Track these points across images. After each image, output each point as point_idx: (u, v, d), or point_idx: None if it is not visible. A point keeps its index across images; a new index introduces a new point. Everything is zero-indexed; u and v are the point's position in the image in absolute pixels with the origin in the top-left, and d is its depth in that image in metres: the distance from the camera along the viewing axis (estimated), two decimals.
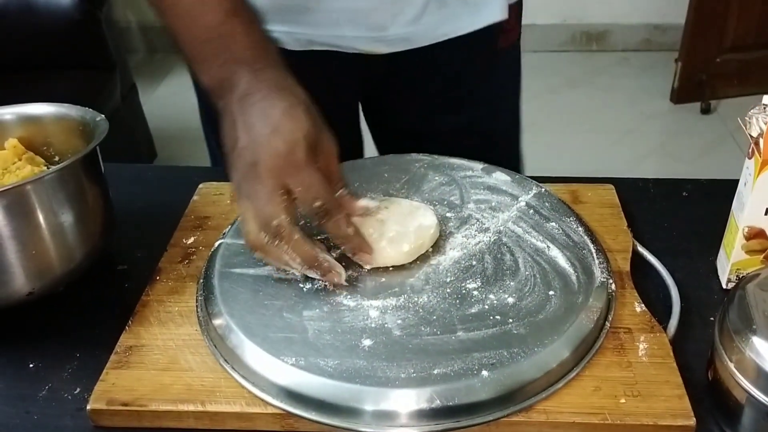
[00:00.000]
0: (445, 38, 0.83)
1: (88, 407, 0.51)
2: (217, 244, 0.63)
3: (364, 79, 0.90)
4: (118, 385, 0.52)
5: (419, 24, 0.80)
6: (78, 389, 0.54)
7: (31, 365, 0.57)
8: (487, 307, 0.55)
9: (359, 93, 0.94)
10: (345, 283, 0.57)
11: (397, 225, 0.61)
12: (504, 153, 0.93)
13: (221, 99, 0.60)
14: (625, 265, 0.62)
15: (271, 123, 0.55)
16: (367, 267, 0.59)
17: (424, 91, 0.91)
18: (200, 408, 0.50)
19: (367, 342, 0.52)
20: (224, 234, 0.64)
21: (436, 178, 0.70)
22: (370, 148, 1.00)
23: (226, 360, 0.53)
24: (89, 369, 0.55)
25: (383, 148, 1.00)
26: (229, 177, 0.57)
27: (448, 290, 0.57)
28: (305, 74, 0.85)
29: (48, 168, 0.67)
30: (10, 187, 0.56)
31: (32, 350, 0.58)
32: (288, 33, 0.81)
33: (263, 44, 0.62)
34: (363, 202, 0.61)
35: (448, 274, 0.58)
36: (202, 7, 0.60)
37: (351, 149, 0.93)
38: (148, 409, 0.51)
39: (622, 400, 0.50)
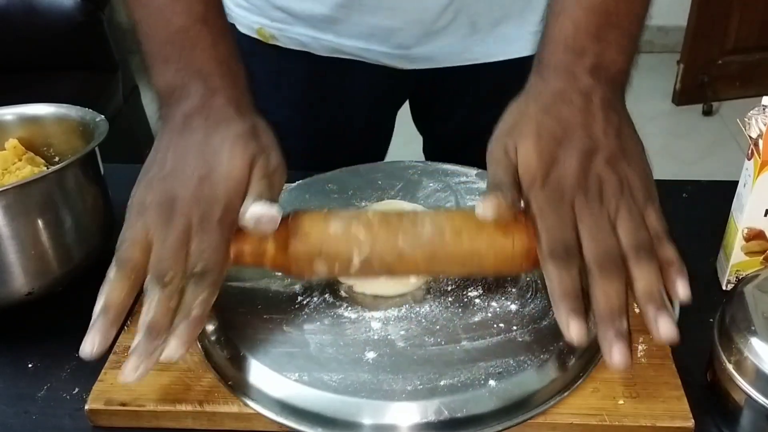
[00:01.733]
0: (473, 62, 0.82)
1: (87, 407, 0.51)
2: None
3: (392, 89, 0.90)
4: (116, 385, 0.52)
5: (445, 46, 0.80)
6: (77, 389, 0.54)
7: (29, 365, 0.57)
8: (490, 315, 0.54)
9: (387, 101, 0.94)
10: (130, 379, 0.47)
11: None
12: None
13: (166, 107, 0.57)
14: None
15: (201, 164, 0.52)
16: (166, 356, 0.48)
17: (460, 103, 0.91)
18: (198, 408, 0.50)
19: (370, 354, 0.51)
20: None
21: (431, 184, 0.69)
22: (394, 152, 0.99)
23: (224, 376, 0.52)
24: (88, 369, 0.55)
25: (431, 152, 0.99)
26: (137, 184, 0.54)
27: (450, 299, 0.56)
28: (330, 79, 0.86)
29: (48, 168, 0.67)
30: (9, 187, 0.56)
31: (31, 350, 0.58)
32: (315, 38, 0.81)
33: (227, 59, 0.58)
34: (254, 210, 0.51)
35: (449, 283, 0.58)
36: (173, 8, 0.57)
37: (371, 152, 0.93)
38: (146, 409, 0.51)
39: (621, 402, 0.50)
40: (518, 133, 0.52)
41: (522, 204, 0.51)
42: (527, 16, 0.81)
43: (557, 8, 0.56)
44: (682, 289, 0.49)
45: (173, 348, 0.47)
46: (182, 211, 0.51)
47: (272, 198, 0.52)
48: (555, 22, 0.55)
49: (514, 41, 0.82)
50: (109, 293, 0.49)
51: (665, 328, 0.46)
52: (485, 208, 0.49)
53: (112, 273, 0.50)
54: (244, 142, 0.53)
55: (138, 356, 0.47)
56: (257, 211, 0.50)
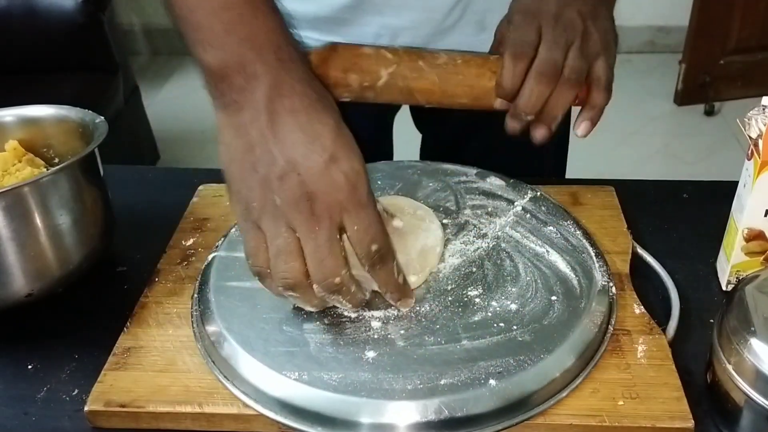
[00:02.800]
0: None
1: (86, 408, 0.51)
2: (210, 257, 0.62)
3: None
4: (115, 386, 0.52)
5: (453, 45, 0.79)
6: (76, 390, 0.54)
7: (29, 366, 0.57)
8: (490, 314, 0.54)
9: (393, 105, 0.93)
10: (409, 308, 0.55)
11: (400, 252, 0.55)
12: (553, 158, 0.92)
13: (234, 88, 0.49)
14: (625, 267, 0.62)
15: (323, 146, 0.47)
16: (404, 310, 0.55)
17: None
18: (197, 409, 0.50)
19: (370, 354, 0.51)
20: (217, 246, 0.63)
21: (431, 184, 0.69)
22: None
23: (225, 376, 0.52)
24: (87, 370, 0.55)
25: (428, 154, 0.99)
26: (241, 189, 0.49)
27: (450, 298, 0.56)
28: None
29: (48, 170, 0.67)
30: (9, 188, 0.56)
31: (31, 351, 0.58)
32: (320, 41, 0.80)
33: (287, 30, 0.52)
34: (395, 223, 0.58)
35: (449, 282, 0.58)
36: None
37: (376, 158, 0.93)
38: (145, 411, 0.51)
39: (621, 402, 0.50)
40: (515, 10, 0.63)
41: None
42: None
43: None
44: (583, 127, 0.61)
45: (407, 306, 0.55)
46: (323, 204, 0.47)
47: None
48: None
49: None
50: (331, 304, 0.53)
51: (540, 133, 0.60)
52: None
53: (290, 296, 0.51)
54: (344, 126, 0.50)
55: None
56: (397, 224, 0.58)
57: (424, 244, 0.60)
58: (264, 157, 0.48)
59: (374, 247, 0.49)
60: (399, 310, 0.55)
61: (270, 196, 0.48)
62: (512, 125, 0.60)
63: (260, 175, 0.48)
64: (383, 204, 0.56)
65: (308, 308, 0.53)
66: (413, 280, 0.57)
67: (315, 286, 0.49)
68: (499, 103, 0.60)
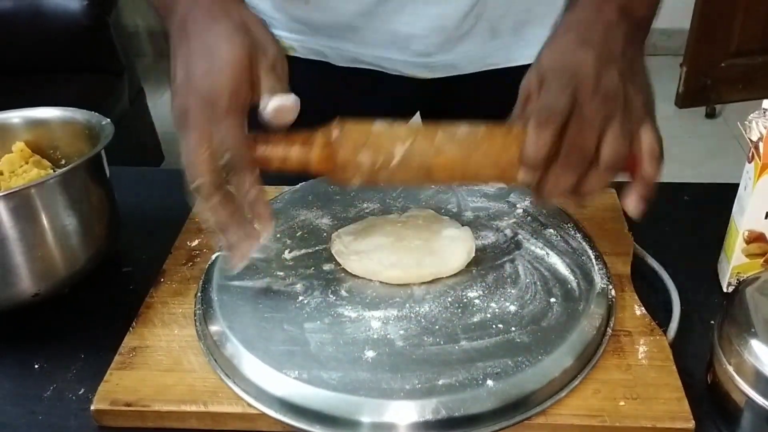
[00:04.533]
0: (495, 68, 0.82)
1: (92, 407, 0.52)
2: (214, 256, 0.63)
3: (410, 99, 0.90)
4: (121, 385, 0.53)
5: (467, 53, 0.80)
6: (82, 390, 0.55)
7: (36, 366, 0.58)
8: (489, 315, 0.55)
9: (402, 112, 0.93)
10: (242, 264, 0.54)
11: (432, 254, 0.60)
12: None
13: (165, 22, 0.58)
14: (626, 269, 0.62)
15: (205, 62, 0.53)
16: (264, 234, 0.54)
17: (477, 113, 0.90)
18: (203, 409, 0.51)
19: (370, 353, 0.52)
20: (221, 246, 0.64)
21: (432, 186, 0.70)
22: None
23: (227, 374, 0.53)
24: (93, 370, 0.56)
25: None
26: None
27: (450, 299, 0.57)
28: (348, 89, 0.85)
29: (54, 171, 0.67)
30: (16, 189, 0.56)
31: (37, 351, 0.59)
32: (334, 48, 0.81)
33: None
34: (274, 103, 0.54)
35: (449, 283, 0.58)
36: None
37: None
38: (151, 410, 0.51)
39: (622, 403, 0.50)
40: (542, 57, 0.56)
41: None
42: (548, 20, 0.80)
43: None
44: (632, 205, 0.54)
45: (264, 231, 0.53)
46: (194, 114, 0.52)
47: (283, 89, 0.54)
48: None
49: (535, 45, 0.81)
50: (212, 217, 0.53)
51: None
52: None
53: (197, 204, 0.53)
54: (237, 34, 0.54)
55: (233, 249, 0.53)
56: (277, 103, 0.52)
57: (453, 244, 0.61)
58: (174, 75, 0.55)
59: (225, 157, 0.51)
60: (399, 310, 0.55)
61: (172, 111, 0.54)
62: (537, 203, 0.56)
63: (172, 89, 0.55)
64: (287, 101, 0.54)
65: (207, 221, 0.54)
66: (417, 273, 0.58)
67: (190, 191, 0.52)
68: (522, 177, 0.52)
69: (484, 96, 0.87)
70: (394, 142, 0.53)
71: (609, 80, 0.52)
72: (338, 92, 0.86)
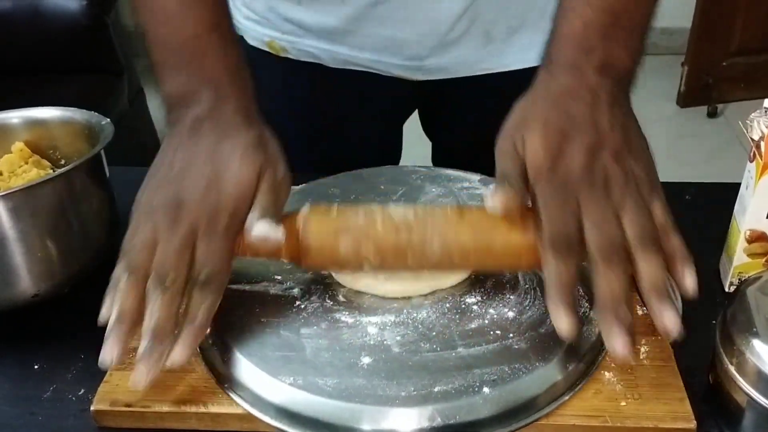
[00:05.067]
0: (488, 72, 0.82)
1: (92, 408, 0.52)
2: None
3: (404, 100, 0.90)
4: (121, 386, 0.53)
5: (459, 57, 0.79)
6: (82, 390, 0.55)
7: (35, 366, 0.57)
8: (487, 321, 0.54)
9: (398, 111, 0.93)
10: (141, 385, 0.48)
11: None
12: None
13: (175, 111, 0.57)
14: None
15: (210, 170, 0.53)
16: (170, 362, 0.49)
17: (472, 112, 0.90)
18: (203, 409, 0.51)
19: (366, 359, 0.51)
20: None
21: (433, 189, 0.69)
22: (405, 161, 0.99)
23: (221, 379, 0.53)
24: (93, 370, 0.55)
25: (441, 159, 0.99)
26: (143, 187, 0.55)
27: (447, 305, 0.56)
28: (341, 91, 0.86)
29: (54, 171, 0.67)
30: (16, 189, 0.56)
31: (37, 351, 0.59)
32: (326, 51, 0.81)
33: (236, 68, 0.59)
34: (261, 229, 0.52)
35: (447, 289, 0.58)
36: (185, 16, 0.57)
37: (382, 163, 0.93)
38: (151, 410, 0.51)
39: (623, 403, 0.50)
40: (526, 128, 0.53)
41: (529, 199, 0.52)
42: (542, 25, 0.80)
43: (567, 5, 0.56)
44: (689, 281, 0.49)
45: (178, 354, 0.48)
46: (188, 215, 0.51)
47: (278, 209, 0.53)
48: (564, 20, 0.56)
49: (529, 50, 0.81)
50: (123, 301, 0.50)
51: (669, 321, 0.46)
52: (494, 200, 0.50)
53: (123, 279, 0.50)
54: (253, 151, 0.54)
55: (146, 362, 0.48)
56: (263, 231, 0.51)
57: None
58: (167, 164, 0.55)
59: (205, 271, 0.50)
60: (396, 316, 0.55)
61: (153, 195, 0.54)
62: (610, 333, 0.47)
63: (157, 177, 0.55)
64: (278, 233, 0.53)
65: (119, 301, 0.51)
66: (414, 287, 0.57)
67: (149, 282, 0.50)
68: (567, 329, 0.47)
69: (478, 99, 0.87)
70: (362, 263, 0.53)
71: (602, 166, 0.50)
72: (331, 94, 0.86)
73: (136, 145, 2.08)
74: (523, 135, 0.52)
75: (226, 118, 0.56)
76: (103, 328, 0.59)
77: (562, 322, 0.46)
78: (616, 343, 0.45)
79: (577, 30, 0.55)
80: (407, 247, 0.53)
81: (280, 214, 0.54)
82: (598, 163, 0.51)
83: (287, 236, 0.53)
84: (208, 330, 0.54)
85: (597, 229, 0.48)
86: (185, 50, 0.57)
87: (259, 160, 0.54)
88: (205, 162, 0.53)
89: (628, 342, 0.45)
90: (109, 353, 0.49)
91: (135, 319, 0.50)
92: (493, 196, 0.50)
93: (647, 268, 0.47)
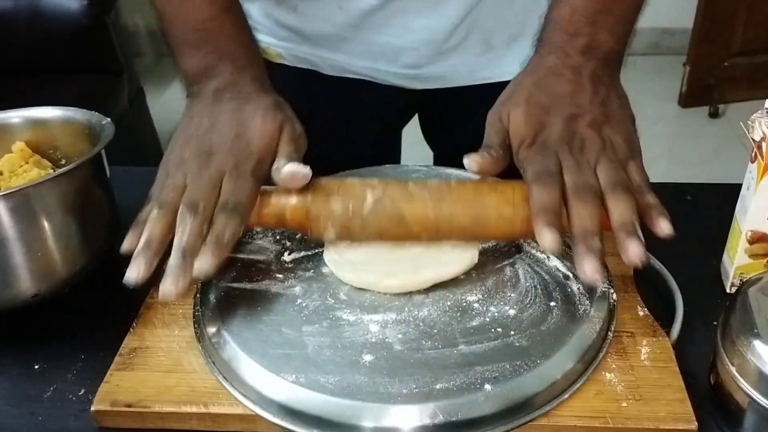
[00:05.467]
0: (486, 81, 0.81)
1: (92, 408, 0.52)
2: None
3: (402, 107, 0.90)
4: (122, 386, 0.53)
5: (458, 65, 0.79)
6: (82, 390, 0.55)
7: (36, 366, 0.57)
8: (488, 319, 0.54)
9: (396, 118, 0.93)
10: (171, 294, 0.50)
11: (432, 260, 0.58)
12: None
13: (198, 85, 0.62)
14: (628, 270, 0.62)
15: (236, 125, 0.58)
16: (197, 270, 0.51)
17: (471, 120, 0.90)
18: (203, 410, 0.51)
19: (367, 357, 0.51)
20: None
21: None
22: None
23: (224, 377, 0.53)
24: (94, 370, 0.55)
25: (441, 164, 0.99)
26: (171, 144, 0.60)
27: (449, 303, 0.56)
28: (338, 98, 0.85)
29: (54, 171, 0.67)
30: (16, 189, 0.56)
31: (37, 351, 0.59)
32: (323, 58, 0.81)
33: (250, 44, 0.65)
34: (289, 168, 0.55)
35: (448, 287, 0.58)
36: (200, 0, 0.63)
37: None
38: (151, 411, 0.51)
39: (624, 404, 0.50)
40: (512, 102, 0.58)
41: (512, 162, 0.56)
42: None
43: None
44: (664, 226, 0.52)
45: (206, 262, 0.51)
46: (218, 160, 0.56)
47: (299, 159, 0.58)
48: (556, 6, 0.61)
49: (528, 59, 0.81)
50: (153, 229, 0.53)
51: (634, 251, 0.49)
52: (470, 161, 0.55)
53: (154, 213, 0.54)
54: (273, 111, 0.59)
55: (175, 274, 0.51)
56: (293, 169, 0.55)
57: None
58: (195, 123, 0.59)
59: (231, 200, 0.54)
60: (398, 314, 0.55)
61: (184, 150, 0.58)
62: (582, 260, 0.50)
63: (186, 135, 0.59)
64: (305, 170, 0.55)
65: (148, 229, 0.53)
66: (415, 280, 0.57)
67: (180, 207, 0.53)
68: (549, 240, 0.50)
69: (478, 108, 0.86)
70: (366, 189, 0.56)
71: (579, 132, 0.55)
72: (328, 101, 0.86)
73: (135, 145, 2.09)
74: (509, 109, 0.58)
75: (245, 87, 0.61)
76: (103, 329, 0.59)
77: (547, 240, 0.49)
78: (587, 268, 0.49)
79: (565, 15, 0.60)
80: (408, 180, 0.57)
81: (301, 161, 0.57)
82: (575, 131, 0.55)
83: (296, 193, 0.56)
84: (214, 328, 0.55)
85: (572, 173, 0.53)
86: (203, 30, 0.63)
87: (279, 117, 0.59)
88: (231, 119, 0.58)
89: (598, 266, 0.49)
90: (135, 271, 0.51)
91: (161, 246, 0.53)
92: (471, 157, 0.55)
93: (616, 208, 0.51)
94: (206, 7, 0.63)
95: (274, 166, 0.56)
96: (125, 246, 0.54)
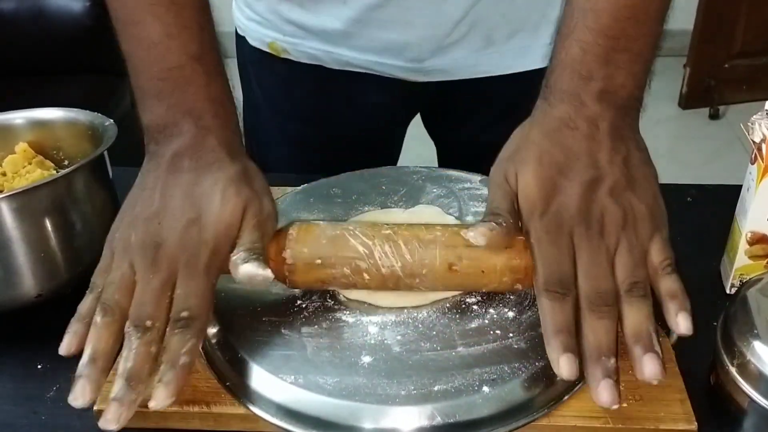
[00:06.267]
0: (487, 75, 0.82)
1: (95, 408, 0.51)
2: None
3: (405, 102, 0.90)
4: None
5: (459, 59, 0.80)
6: None
7: (39, 366, 0.58)
8: (487, 321, 0.54)
9: (399, 113, 0.94)
10: (112, 428, 0.46)
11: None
12: None
13: (154, 143, 0.56)
14: None
15: (193, 208, 0.51)
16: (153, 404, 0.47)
17: (473, 114, 0.90)
18: (205, 409, 0.51)
19: (366, 359, 0.52)
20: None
21: (434, 190, 0.69)
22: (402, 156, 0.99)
23: (223, 377, 0.53)
24: None
25: (446, 160, 0.99)
26: (117, 220, 0.54)
27: (448, 305, 0.56)
28: (342, 92, 0.86)
29: (58, 172, 0.68)
30: (19, 190, 0.57)
31: (40, 351, 0.59)
32: (327, 52, 0.81)
33: (220, 99, 0.57)
34: (246, 270, 0.50)
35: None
36: (167, 46, 0.56)
37: (382, 164, 0.93)
38: (153, 410, 0.51)
39: (624, 404, 0.50)
40: (519, 159, 0.52)
41: (520, 234, 0.51)
42: (542, 29, 0.80)
43: (566, 31, 0.54)
44: (682, 323, 0.48)
45: (162, 397, 0.46)
46: (167, 256, 0.50)
47: (262, 247, 0.52)
48: (563, 45, 0.54)
49: (528, 53, 0.81)
50: (96, 342, 0.48)
51: (650, 369, 0.46)
52: (477, 234, 0.50)
53: (98, 319, 0.49)
54: (236, 186, 0.52)
55: (119, 405, 0.46)
56: (250, 271, 0.49)
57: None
58: (145, 200, 0.53)
59: (183, 314, 0.48)
60: (396, 316, 0.55)
61: (130, 232, 0.52)
62: (593, 375, 0.46)
63: (134, 213, 0.53)
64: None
65: (93, 340, 0.49)
66: (413, 299, 0.56)
67: (127, 324, 0.48)
68: (567, 370, 0.46)
69: (480, 101, 0.87)
70: (353, 282, 0.53)
71: (602, 207, 0.49)
72: (332, 95, 0.86)
73: (136, 146, 2.09)
74: (516, 168, 0.51)
75: (207, 152, 0.54)
76: None
77: (563, 368, 0.45)
78: (602, 396, 0.45)
79: (575, 55, 0.53)
80: (399, 283, 0.54)
81: (265, 252, 0.52)
82: (595, 200, 0.49)
83: (273, 255, 0.53)
84: (213, 329, 0.55)
85: (587, 276, 0.48)
86: (168, 80, 0.56)
87: (243, 195, 0.52)
88: (185, 198, 0.52)
89: (615, 392, 0.45)
90: (81, 395, 0.46)
91: (108, 360, 0.48)
92: (477, 230, 0.50)
93: (632, 316, 0.47)
94: (175, 53, 0.55)
95: (232, 258, 0.50)
96: (64, 348, 0.49)
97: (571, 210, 0.49)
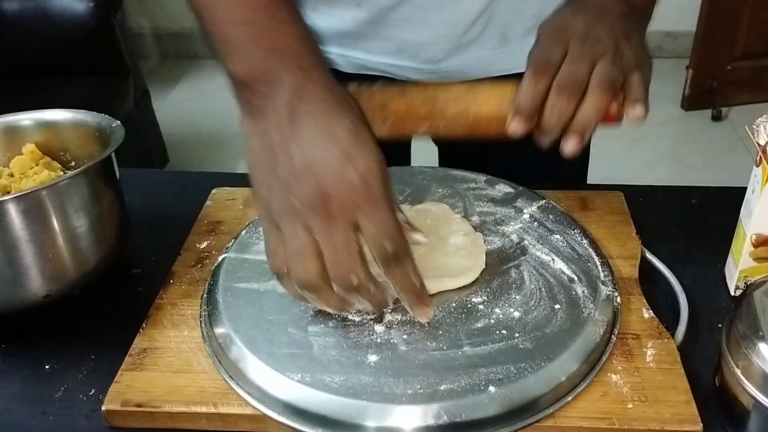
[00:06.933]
0: (504, 73, 0.82)
1: (103, 408, 0.52)
2: (220, 258, 0.63)
3: None
4: (132, 386, 0.53)
5: (475, 59, 0.79)
6: (93, 390, 0.55)
7: (47, 366, 0.58)
8: (493, 321, 0.55)
9: None
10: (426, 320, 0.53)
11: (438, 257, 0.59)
12: (576, 165, 0.90)
13: (258, 96, 0.52)
14: (634, 272, 0.62)
15: (339, 147, 0.49)
16: (424, 321, 0.53)
17: None
18: (213, 410, 0.51)
19: (372, 357, 0.52)
20: (227, 248, 0.64)
21: (440, 190, 0.70)
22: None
23: (230, 376, 0.53)
24: (104, 370, 0.56)
25: (446, 160, 0.98)
26: (262, 191, 0.51)
27: (454, 304, 0.57)
28: None
29: (65, 173, 0.68)
30: (27, 191, 0.57)
31: (48, 352, 0.59)
32: (342, 56, 0.81)
33: (307, 35, 0.54)
34: (417, 237, 0.52)
35: (454, 288, 0.58)
36: None
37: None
38: (161, 411, 0.51)
39: (630, 406, 0.50)
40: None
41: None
42: None
43: None
44: (637, 110, 0.56)
45: (423, 315, 0.52)
46: (339, 203, 0.48)
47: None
48: None
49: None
50: (338, 304, 0.51)
51: (570, 147, 0.55)
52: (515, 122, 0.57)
53: (310, 296, 0.51)
54: (362, 121, 0.52)
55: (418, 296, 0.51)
56: (419, 238, 0.53)
57: (460, 264, 0.60)
58: (283, 159, 0.50)
59: (388, 246, 0.48)
60: (403, 315, 0.55)
61: (288, 197, 0.49)
62: (541, 141, 0.56)
63: (280, 177, 0.50)
64: (406, 216, 0.53)
65: (329, 309, 0.53)
66: (449, 283, 0.58)
67: (334, 286, 0.49)
68: (514, 126, 0.56)
69: None
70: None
71: (597, 32, 0.57)
72: None
73: (141, 147, 2.10)
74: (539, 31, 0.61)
75: (319, 91, 0.52)
76: (113, 330, 0.60)
77: (510, 126, 0.56)
78: (567, 147, 0.55)
79: None
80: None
81: None
82: (593, 29, 0.58)
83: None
84: (221, 329, 0.55)
85: (567, 63, 0.56)
86: (255, 22, 0.53)
87: (367, 126, 0.52)
88: (325, 142, 0.49)
89: (577, 141, 0.55)
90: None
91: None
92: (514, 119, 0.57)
93: (585, 106, 0.55)
94: None
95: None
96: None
97: (573, 27, 0.58)
